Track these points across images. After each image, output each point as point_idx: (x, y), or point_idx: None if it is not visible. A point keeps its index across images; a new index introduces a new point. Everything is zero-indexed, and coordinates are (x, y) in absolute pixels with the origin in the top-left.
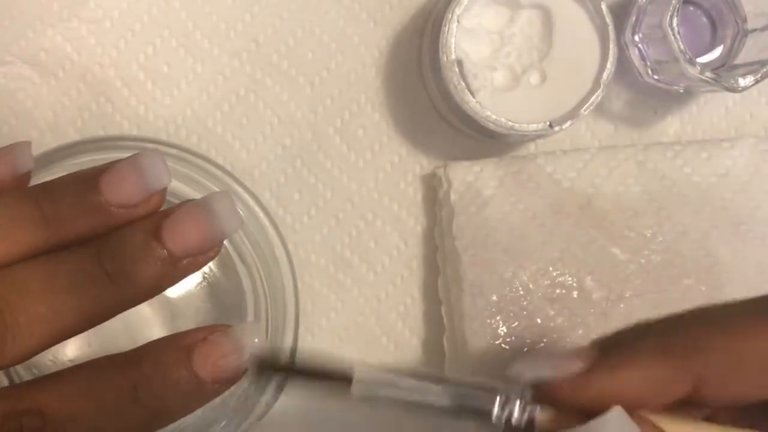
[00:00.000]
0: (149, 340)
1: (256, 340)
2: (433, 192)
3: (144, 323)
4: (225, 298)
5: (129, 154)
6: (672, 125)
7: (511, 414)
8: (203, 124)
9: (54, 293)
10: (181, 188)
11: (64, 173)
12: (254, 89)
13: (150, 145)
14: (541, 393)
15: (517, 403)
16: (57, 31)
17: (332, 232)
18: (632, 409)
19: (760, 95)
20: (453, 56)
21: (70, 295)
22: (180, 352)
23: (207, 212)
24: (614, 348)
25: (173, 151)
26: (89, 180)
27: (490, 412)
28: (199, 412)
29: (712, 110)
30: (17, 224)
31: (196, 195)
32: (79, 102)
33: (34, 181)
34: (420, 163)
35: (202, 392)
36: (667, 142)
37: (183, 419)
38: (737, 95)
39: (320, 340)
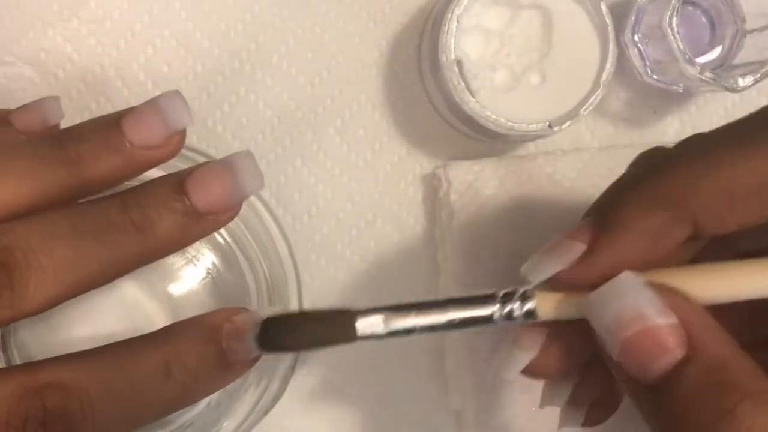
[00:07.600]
0: None
1: None
2: (433, 192)
3: (148, 320)
4: (228, 294)
5: None
6: (672, 125)
7: (512, 310)
8: (203, 124)
9: (78, 238)
10: None
11: None
12: (254, 89)
13: None
14: (549, 285)
15: (517, 293)
16: (57, 31)
17: (332, 232)
18: (640, 269)
19: (760, 95)
20: (453, 56)
21: (94, 241)
22: (209, 330)
23: (230, 170)
24: (607, 213)
25: None
26: (112, 122)
27: (491, 315)
28: (202, 408)
29: (711, 110)
30: (43, 162)
31: None
32: (79, 102)
33: None
34: (420, 163)
35: (228, 371)
36: (666, 142)
37: (184, 419)
38: (736, 95)
39: None
